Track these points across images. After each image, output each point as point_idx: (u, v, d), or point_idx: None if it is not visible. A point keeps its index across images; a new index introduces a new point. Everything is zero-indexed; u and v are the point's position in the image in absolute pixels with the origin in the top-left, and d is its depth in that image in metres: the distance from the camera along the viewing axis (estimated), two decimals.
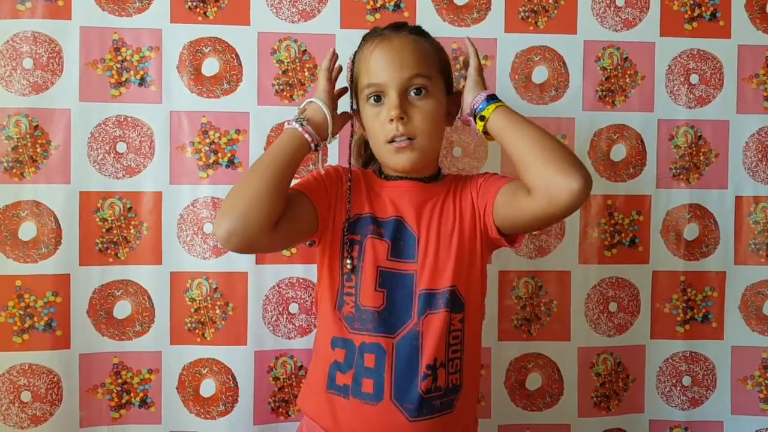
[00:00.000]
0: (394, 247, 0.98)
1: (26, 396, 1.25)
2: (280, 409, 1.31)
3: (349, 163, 1.04)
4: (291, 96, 1.28)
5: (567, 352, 1.34)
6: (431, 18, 1.28)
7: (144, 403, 1.29)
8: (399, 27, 1.00)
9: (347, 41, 1.26)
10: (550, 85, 1.32)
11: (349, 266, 0.97)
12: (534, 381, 1.35)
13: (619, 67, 1.32)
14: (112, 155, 1.26)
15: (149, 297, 1.28)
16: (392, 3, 1.29)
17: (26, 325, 1.25)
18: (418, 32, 1.01)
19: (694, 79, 1.33)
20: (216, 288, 1.28)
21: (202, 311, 1.28)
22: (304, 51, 1.28)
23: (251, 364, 1.29)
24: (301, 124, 0.97)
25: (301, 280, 1.30)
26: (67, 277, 1.26)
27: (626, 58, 1.32)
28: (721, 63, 1.33)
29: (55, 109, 1.24)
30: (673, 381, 1.36)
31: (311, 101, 1.01)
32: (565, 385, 1.35)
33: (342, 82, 1.07)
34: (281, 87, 1.28)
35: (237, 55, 1.27)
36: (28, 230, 1.24)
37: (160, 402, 1.29)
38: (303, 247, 1.29)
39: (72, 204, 1.25)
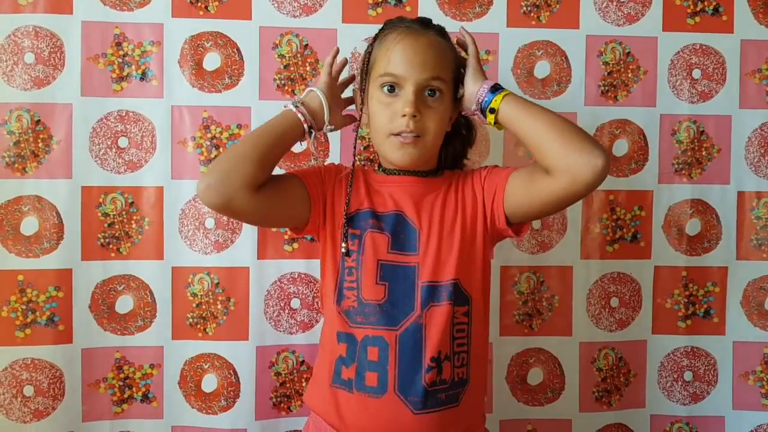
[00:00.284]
0: (394, 240, 0.99)
1: (29, 390, 1.25)
2: (282, 405, 1.31)
3: (354, 157, 1.04)
4: (292, 91, 1.28)
5: (568, 347, 1.34)
6: (433, 12, 1.27)
7: (146, 397, 1.29)
8: (426, 24, 1.01)
9: (349, 36, 1.26)
10: (553, 80, 1.31)
11: (343, 249, 0.98)
12: (535, 376, 1.35)
13: (621, 62, 1.32)
14: (113, 150, 1.26)
15: (151, 292, 1.28)
16: None
17: (28, 320, 1.25)
18: (442, 34, 1.02)
19: (696, 74, 1.33)
20: (218, 283, 1.28)
21: (203, 306, 1.29)
22: (306, 45, 1.28)
23: (253, 359, 1.29)
24: (296, 106, 1.01)
25: (302, 276, 1.30)
26: (69, 272, 1.26)
27: (629, 52, 1.32)
28: (723, 58, 1.33)
29: (56, 103, 1.24)
30: (675, 376, 1.36)
31: (311, 89, 1.04)
32: (567, 380, 1.35)
33: (345, 77, 1.08)
34: (283, 82, 1.28)
35: (238, 49, 1.27)
36: (30, 225, 1.24)
37: (162, 397, 1.29)
38: (304, 243, 1.29)
39: (74, 199, 1.25)
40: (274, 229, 1.28)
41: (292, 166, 1.28)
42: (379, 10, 1.28)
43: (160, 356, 1.29)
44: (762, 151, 1.34)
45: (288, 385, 1.31)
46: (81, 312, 1.26)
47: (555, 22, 1.31)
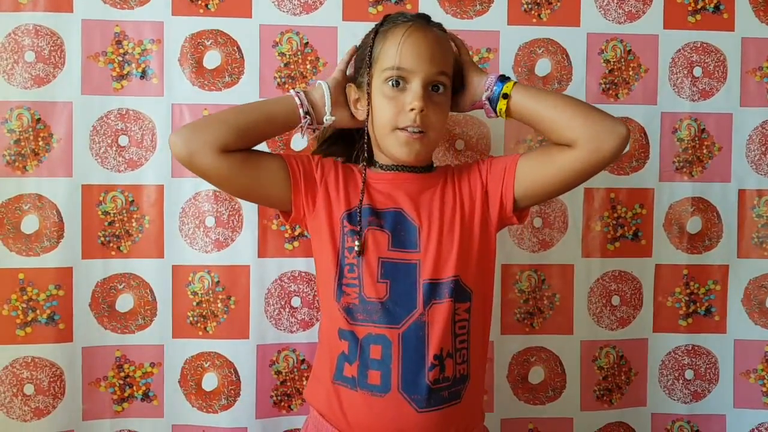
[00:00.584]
0: (394, 238, 0.99)
1: (29, 389, 1.25)
2: (282, 403, 1.31)
3: (364, 155, 1.04)
4: (293, 89, 1.27)
5: (570, 346, 1.34)
6: (433, 10, 1.27)
7: (146, 396, 1.29)
8: (428, 20, 1.02)
9: (349, 34, 1.26)
10: (554, 78, 1.31)
11: (357, 249, 0.98)
12: (536, 374, 1.35)
13: (622, 60, 1.32)
14: (114, 148, 1.26)
15: (151, 290, 1.28)
16: None
17: (29, 318, 1.25)
18: (443, 30, 1.03)
19: (697, 71, 1.33)
20: (218, 281, 1.28)
21: (204, 305, 1.28)
22: (306, 44, 1.28)
23: (253, 357, 1.29)
24: (297, 92, 1.02)
25: (303, 274, 1.30)
26: (70, 271, 1.26)
27: (629, 50, 1.32)
28: (724, 56, 1.33)
29: (57, 102, 1.24)
30: (676, 374, 1.36)
31: (318, 82, 1.05)
32: (568, 379, 1.35)
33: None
34: (283, 80, 1.28)
35: (239, 47, 1.27)
36: (30, 223, 1.24)
37: (162, 395, 1.29)
38: (305, 241, 1.29)
39: (74, 197, 1.25)
40: (274, 223, 1.28)
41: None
42: (380, 7, 1.28)
43: (160, 355, 1.29)
44: (763, 149, 1.34)
45: (288, 383, 1.31)
46: (81, 310, 1.26)
47: (556, 20, 1.30)
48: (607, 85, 1.32)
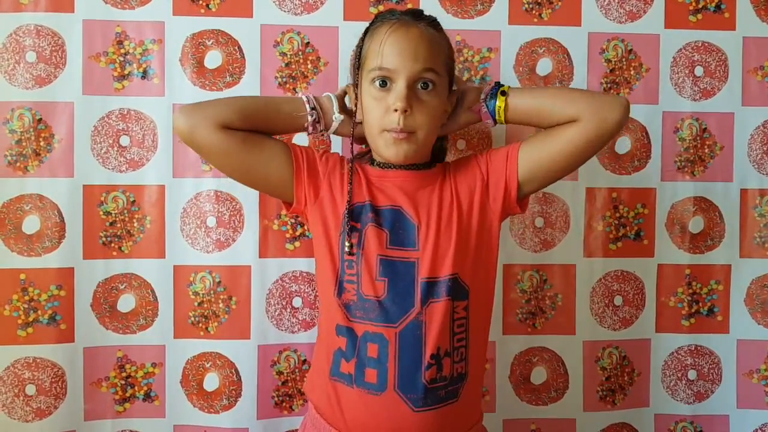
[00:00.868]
0: (393, 236, 0.98)
1: (30, 389, 1.25)
2: (284, 404, 1.31)
3: (352, 151, 1.04)
4: (294, 89, 1.28)
5: (572, 346, 1.34)
6: (434, 9, 1.27)
7: (148, 396, 1.29)
8: (417, 16, 1.00)
9: (350, 33, 1.25)
10: (555, 78, 1.31)
11: (347, 248, 0.97)
12: (539, 375, 1.34)
13: (623, 60, 1.31)
14: (115, 148, 1.26)
15: (153, 291, 1.28)
16: None
17: (30, 319, 1.24)
18: (434, 25, 1.01)
19: (698, 71, 1.32)
20: (219, 282, 1.28)
21: (205, 305, 1.28)
22: (307, 43, 1.28)
23: (255, 358, 1.29)
24: (308, 97, 1.03)
25: (304, 274, 1.30)
26: (71, 271, 1.25)
27: (631, 50, 1.31)
28: (726, 55, 1.32)
29: (58, 102, 1.24)
30: (679, 375, 1.36)
31: (327, 94, 1.06)
32: (570, 379, 1.34)
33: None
34: (284, 80, 1.28)
35: (240, 47, 1.27)
36: (31, 224, 1.24)
37: (164, 396, 1.29)
38: (306, 241, 1.29)
39: (75, 197, 1.25)
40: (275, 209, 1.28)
41: None
42: (381, 7, 1.28)
43: (161, 355, 1.28)
44: (765, 148, 1.33)
45: (290, 384, 1.31)
46: (83, 311, 1.26)
47: (557, 20, 1.30)
48: (609, 85, 1.32)
